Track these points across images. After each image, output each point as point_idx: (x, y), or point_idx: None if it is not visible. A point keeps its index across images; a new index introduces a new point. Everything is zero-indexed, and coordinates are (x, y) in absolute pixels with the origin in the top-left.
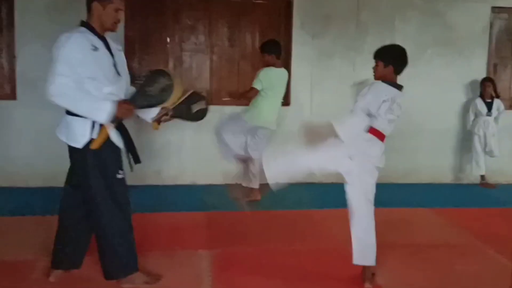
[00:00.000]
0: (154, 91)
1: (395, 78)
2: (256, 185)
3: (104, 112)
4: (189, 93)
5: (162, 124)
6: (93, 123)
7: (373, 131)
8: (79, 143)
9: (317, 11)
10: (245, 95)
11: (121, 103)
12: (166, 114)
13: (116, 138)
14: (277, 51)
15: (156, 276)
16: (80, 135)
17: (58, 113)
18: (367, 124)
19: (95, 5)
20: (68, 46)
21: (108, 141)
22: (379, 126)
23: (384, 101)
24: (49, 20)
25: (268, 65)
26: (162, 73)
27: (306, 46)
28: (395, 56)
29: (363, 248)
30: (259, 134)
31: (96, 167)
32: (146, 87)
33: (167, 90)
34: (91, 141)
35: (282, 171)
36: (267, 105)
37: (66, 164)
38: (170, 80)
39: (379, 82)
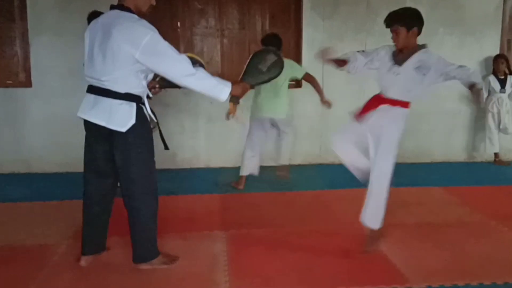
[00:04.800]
0: (264, 68)
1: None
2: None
3: (227, 89)
4: None
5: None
6: (137, 106)
7: None
8: (124, 127)
9: None
10: None
11: (236, 82)
12: (154, 87)
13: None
14: (277, 44)
15: (173, 257)
16: (126, 118)
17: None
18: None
19: None
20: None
21: (147, 125)
22: None
23: None
24: (60, 10)
25: None
26: (269, 50)
27: (316, 28)
28: (416, 17)
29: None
30: (282, 126)
31: (138, 150)
32: (257, 64)
33: (275, 65)
34: (134, 125)
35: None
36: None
37: (81, 150)
38: (277, 56)
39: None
